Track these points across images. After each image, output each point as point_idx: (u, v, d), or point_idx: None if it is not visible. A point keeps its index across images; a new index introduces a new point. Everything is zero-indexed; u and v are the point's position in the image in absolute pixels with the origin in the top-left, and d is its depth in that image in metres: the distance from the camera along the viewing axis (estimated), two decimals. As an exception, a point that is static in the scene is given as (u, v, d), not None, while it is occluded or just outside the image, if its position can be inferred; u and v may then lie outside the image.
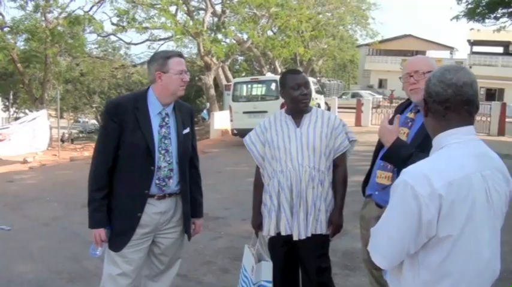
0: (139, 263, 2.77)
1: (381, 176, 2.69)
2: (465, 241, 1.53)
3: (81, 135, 38.48)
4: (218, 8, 24.77)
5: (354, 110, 20.26)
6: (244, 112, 14.01)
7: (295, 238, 2.91)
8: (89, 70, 27.44)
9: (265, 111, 13.75)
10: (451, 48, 49.05)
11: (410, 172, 1.56)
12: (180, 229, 2.88)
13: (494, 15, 13.14)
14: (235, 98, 14.64)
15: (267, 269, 2.98)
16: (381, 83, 50.53)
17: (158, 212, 2.72)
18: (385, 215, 1.60)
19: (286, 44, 23.21)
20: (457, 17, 13.75)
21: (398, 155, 2.49)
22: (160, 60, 2.68)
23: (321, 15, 30.75)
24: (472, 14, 13.08)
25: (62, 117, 23.71)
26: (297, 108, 3.00)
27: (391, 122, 2.67)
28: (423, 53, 51.23)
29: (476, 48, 47.16)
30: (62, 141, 22.91)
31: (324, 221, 2.95)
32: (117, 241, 2.69)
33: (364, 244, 2.93)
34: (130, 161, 2.64)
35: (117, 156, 2.66)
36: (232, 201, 7.27)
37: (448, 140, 1.62)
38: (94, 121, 42.84)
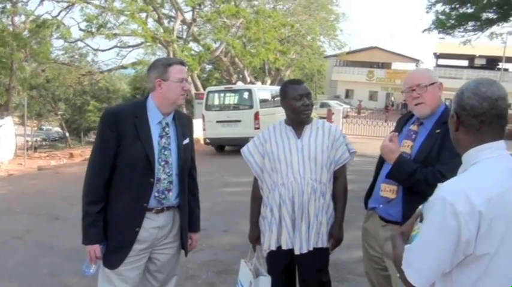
0: (136, 281, 2.62)
1: (386, 189, 2.65)
2: (500, 258, 1.49)
3: (44, 143, 37.48)
4: (187, 16, 24.71)
5: (324, 120, 20.44)
6: (218, 121, 13.92)
7: (296, 252, 2.84)
8: (55, 76, 26.85)
9: (239, 121, 13.71)
10: (416, 61, 50.23)
11: (448, 188, 1.50)
12: (177, 244, 2.76)
13: (465, 27, 13.49)
14: (208, 107, 14.51)
15: (265, 284, 2.88)
16: (348, 94, 51.46)
17: (156, 227, 2.60)
18: (421, 233, 1.54)
19: (267, 50, 23.33)
20: (428, 29, 14.09)
21: (402, 172, 2.52)
22: (160, 67, 2.57)
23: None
24: (443, 26, 13.38)
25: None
26: (299, 119, 2.93)
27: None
28: (389, 65, 52.48)
29: (441, 61, 48.49)
30: (26, 149, 22.21)
31: (325, 234, 2.90)
32: (113, 257, 2.54)
33: (365, 257, 2.89)
34: (128, 173, 2.51)
35: (114, 167, 2.52)
36: (211, 212, 7.11)
37: (480, 155, 1.58)
38: (58, 129, 41.88)
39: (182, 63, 2.65)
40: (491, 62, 46.08)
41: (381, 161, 2.76)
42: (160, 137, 2.58)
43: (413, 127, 2.70)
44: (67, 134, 34.64)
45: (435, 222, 1.49)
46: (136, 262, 2.58)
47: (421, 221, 1.65)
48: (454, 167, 2.29)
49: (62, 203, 7.84)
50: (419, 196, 2.31)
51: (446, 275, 1.53)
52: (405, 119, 2.86)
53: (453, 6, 12.89)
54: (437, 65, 47.00)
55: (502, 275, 1.51)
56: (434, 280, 1.55)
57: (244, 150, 3.07)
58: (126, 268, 2.55)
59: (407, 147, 2.64)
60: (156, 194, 2.55)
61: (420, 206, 1.76)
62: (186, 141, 2.70)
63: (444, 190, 1.51)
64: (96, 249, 2.51)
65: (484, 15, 12.77)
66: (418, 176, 2.45)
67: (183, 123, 2.72)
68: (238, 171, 10.88)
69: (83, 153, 18.37)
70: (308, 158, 2.87)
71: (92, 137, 38.66)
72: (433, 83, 2.62)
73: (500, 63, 41.39)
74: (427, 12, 14.25)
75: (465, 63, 49.40)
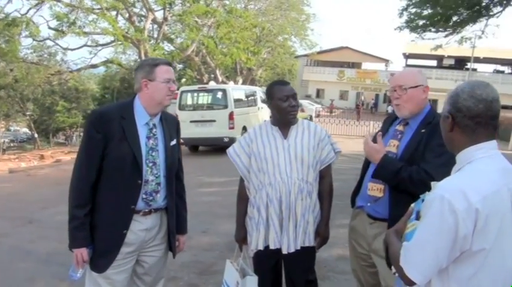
0: (124, 285, 2.59)
1: (373, 188, 2.69)
2: (495, 254, 1.54)
3: (12, 144, 36.56)
4: (158, 15, 24.50)
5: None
6: (192, 121, 13.81)
7: (284, 252, 2.85)
8: (23, 76, 26.16)
9: (213, 121, 13.66)
10: (386, 61, 50.98)
11: (445, 186, 1.54)
12: (165, 247, 2.74)
13: (437, 28, 13.75)
14: (181, 107, 14.37)
15: (252, 284, 2.88)
16: (318, 93, 51.79)
17: (143, 229, 2.57)
18: (420, 230, 1.58)
19: (238, 49, 23.33)
20: (400, 28, 14.33)
21: (387, 171, 2.56)
22: (147, 67, 2.54)
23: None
24: (415, 27, 13.61)
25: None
26: (285, 119, 2.93)
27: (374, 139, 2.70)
28: (359, 65, 53.06)
29: (411, 61, 49.31)
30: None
31: (312, 233, 2.92)
32: (101, 261, 2.50)
33: (352, 255, 2.92)
34: (115, 175, 2.47)
35: (101, 169, 2.47)
36: (189, 213, 7.05)
37: (475, 155, 1.62)
38: (26, 130, 40.87)
39: (169, 63, 2.62)
40: (460, 62, 47.12)
41: (368, 161, 2.80)
42: (148, 138, 2.54)
43: (400, 127, 2.74)
44: (36, 135, 33.86)
45: (433, 219, 1.53)
46: (123, 265, 2.55)
47: (417, 218, 1.68)
48: (438, 165, 2.37)
49: (35, 206, 7.68)
50: (406, 194, 2.37)
51: (443, 270, 1.57)
52: (391, 119, 2.90)
53: (424, 7, 13.13)
54: (407, 65, 47.77)
55: (497, 271, 1.56)
56: (432, 275, 1.59)
57: (230, 151, 3.07)
58: (114, 271, 2.51)
59: (393, 146, 2.68)
60: (144, 196, 2.52)
61: (412, 204, 1.79)
62: (173, 142, 2.68)
63: (442, 188, 1.55)
64: (83, 253, 2.46)
65: (455, 17, 13.07)
66: (403, 174, 2.49)
67: (169, 125, 2.69)
68: (213, 171, 10.86)
69: (54, 155, 18.04)
70: (295, 158, 2.89)
71: (61, 137, 37.96)
72: (416, 86, 2.65)
73: (469, 63, 42.34)
74: (400, 16, 14.49)
75: (434, 63, 50.38)
